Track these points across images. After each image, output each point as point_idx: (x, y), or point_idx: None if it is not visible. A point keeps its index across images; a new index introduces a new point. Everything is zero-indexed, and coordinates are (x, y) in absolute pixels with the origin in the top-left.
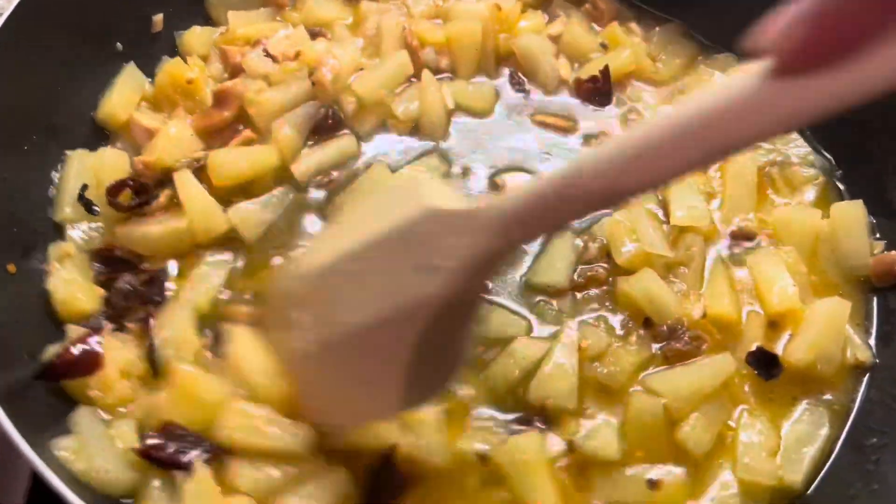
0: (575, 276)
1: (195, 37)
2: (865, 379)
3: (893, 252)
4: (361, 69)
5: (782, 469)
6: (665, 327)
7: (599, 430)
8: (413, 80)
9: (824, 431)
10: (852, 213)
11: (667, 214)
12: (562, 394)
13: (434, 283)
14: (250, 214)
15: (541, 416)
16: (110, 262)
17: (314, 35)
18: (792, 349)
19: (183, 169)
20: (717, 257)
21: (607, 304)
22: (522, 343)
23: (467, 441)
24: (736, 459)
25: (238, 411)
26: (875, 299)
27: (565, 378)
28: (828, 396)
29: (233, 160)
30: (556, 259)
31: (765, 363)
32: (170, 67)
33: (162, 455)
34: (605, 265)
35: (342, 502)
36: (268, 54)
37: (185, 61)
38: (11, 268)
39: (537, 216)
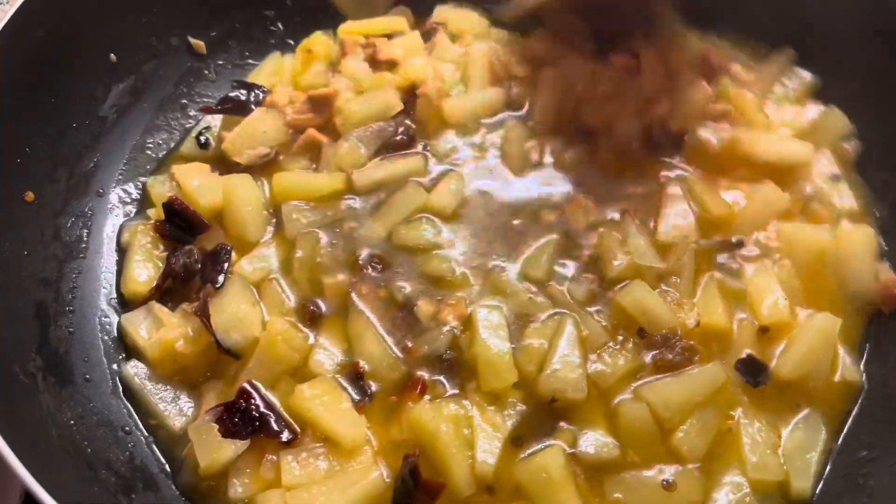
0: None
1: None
2: (856, 398)
3: None
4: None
5: (789, 475)
6: (659, 337)
7: (597, 437)
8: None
9: (823, 437)
10: (860, 237)
11: (656, 227)
12: (571, 385)
13: None
14: (300, 216)
15: (551, 412)
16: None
17: (428, 36)
18: (781, 363)
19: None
20: (710, 267)
21: (598, 317)
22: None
23: (485, 453)
24: (743, 460)
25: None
26: (871, 324)
27: (572, 369)
28: (821, 407)
29: (296, 184)
30: (539, 256)
31: (753, 370)
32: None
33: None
34: (594, 275)
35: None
36: (367, 59)
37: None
38: None
39: None
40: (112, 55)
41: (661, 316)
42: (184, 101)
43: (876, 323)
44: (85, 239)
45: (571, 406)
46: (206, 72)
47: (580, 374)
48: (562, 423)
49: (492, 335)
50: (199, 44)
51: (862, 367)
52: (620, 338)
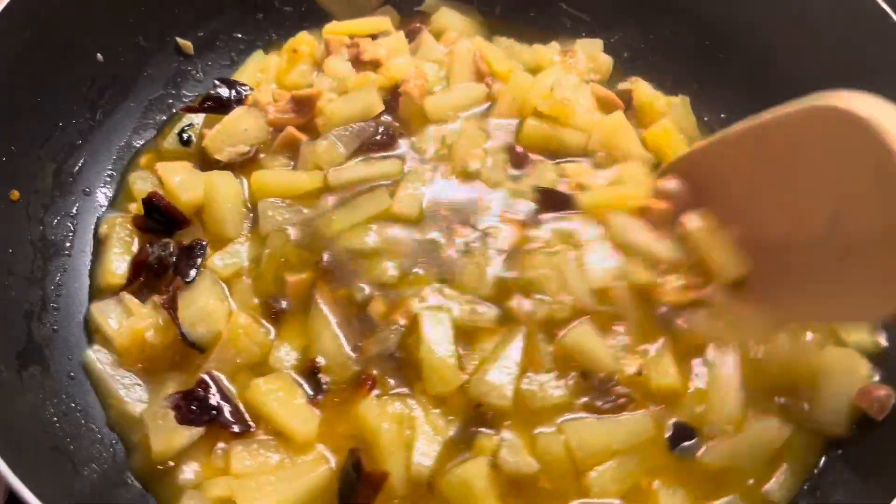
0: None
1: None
2: None
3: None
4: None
5: None
6: (597, 380)
7: (517, 450)
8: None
9: None
10: (843, 363)
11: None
12: (496, 390)
13: None
14: (276, 213)
15: (476, 418)
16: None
17: (413, 35)
18: (709, 449)
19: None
20: (665, 322)
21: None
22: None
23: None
24: None
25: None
26: (829, 456)
27: (502, 377)
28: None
29: (274, 181)
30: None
31: (680, 437)
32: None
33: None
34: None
35: (318, 496)
36: (352, 59)
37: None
38: None
39: None
40: (99, 55)
41: (600, 360)
42: (171, 100)
43: (834, 458)
44: (70, 237)
45: (496, 413)
46: (194, 72)
47: (508, 382)
48: (484, 429)
49: (436, 339)
50: (186, 44)
51: (802, 497)
52: (571, 374)
